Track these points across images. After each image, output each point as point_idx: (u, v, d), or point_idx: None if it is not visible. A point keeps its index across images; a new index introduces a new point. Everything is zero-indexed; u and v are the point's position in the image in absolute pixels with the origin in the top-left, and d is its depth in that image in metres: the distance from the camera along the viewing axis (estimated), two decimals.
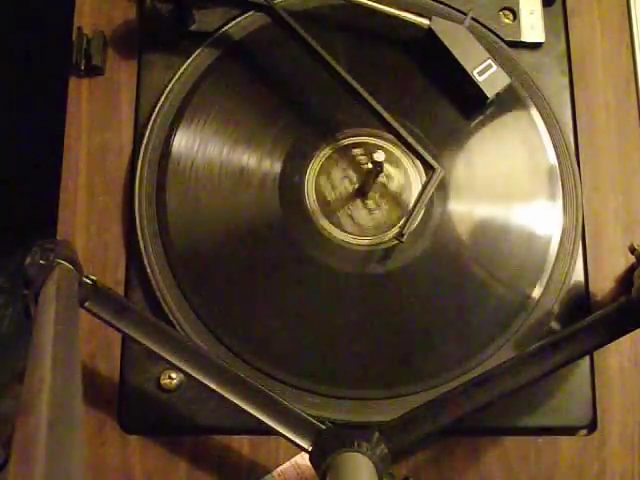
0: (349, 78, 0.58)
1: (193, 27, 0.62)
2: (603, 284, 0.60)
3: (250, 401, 0.48)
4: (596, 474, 0.56)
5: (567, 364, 0.50)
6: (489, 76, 0.59)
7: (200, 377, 0.49)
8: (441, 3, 0.64)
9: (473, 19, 0.62)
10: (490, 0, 0.64)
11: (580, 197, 0.60)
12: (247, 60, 0.63)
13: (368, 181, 0.59)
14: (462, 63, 0.60)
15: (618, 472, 0.56)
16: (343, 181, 0.60)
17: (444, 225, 0.59)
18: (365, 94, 0.57)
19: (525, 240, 0.59)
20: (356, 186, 0.60)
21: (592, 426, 0.57)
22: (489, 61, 0.60)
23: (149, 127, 0.60)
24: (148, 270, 0.57)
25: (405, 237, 0.56)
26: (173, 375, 0.56)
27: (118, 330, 0.50)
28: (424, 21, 0.60)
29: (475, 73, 0.59)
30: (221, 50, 0.63)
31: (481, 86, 0.59)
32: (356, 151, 0.61)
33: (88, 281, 0.48)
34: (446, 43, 0.60)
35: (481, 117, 0.62)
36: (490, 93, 0.60)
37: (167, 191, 0.59)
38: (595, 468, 0.56)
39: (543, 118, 0.62)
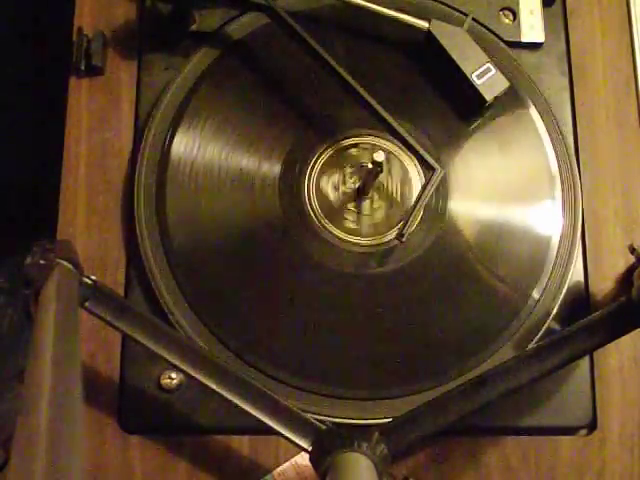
0: (349, 78, 0.58)
1: (193, 27, 0.62)
2: (603, 284, 0.60)
3: (250, 401, 0.48)
4: (596, 474, 0.56)
5: (567, 364, 0.50)
6: (488, 79, 0.59)
7: (200, 377, 0.49)
8: (441, 3, 0.64)
9: (473, 19, 0.62)
10: (490, 0, 0.64)
11: (580, 197, 0.60)
12: (247, 60, 0.63)
13: (368, 181, 0.59)
14: (461, 66, 0.59)
15: (618, 472, 0.56)
16: (343, 181, 0.60)
17: (444, 225, 0.59)
18: (365, 94, 0.57)
19: (525, 240, 0.59)
20: (356, 186, 0.60)
21: (592, 426, 0.57)
22: (488, 64, 0.60)
23: (149, 127, 0.60)
24: (148, 270, 0.57)
25: (405, 237, 0.56)
26: (173, 375, 0.56)
27: (118, 330, 0.49)
28: (423, 23, 0.60)
29: (474, 76, 0.59)
30: (221, 50, 0.63)
31: (479, 89, 0.59)
32: (356, 151, 0.61)
33: (88, 281, 0.48)
34: (445, 46, 0.60)
35: (480, 119, 0.62)
36: (489, 96, 0.60)
37: (167, 191, 0.59)
38: (595, 468, 0.56)
39: (543, 118, 0.62)
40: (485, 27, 0.63)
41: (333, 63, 0.58)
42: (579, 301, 0.59)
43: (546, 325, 0.58)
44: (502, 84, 0.60)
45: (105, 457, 0.55)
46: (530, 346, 0.57)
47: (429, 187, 0.56)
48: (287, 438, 0.47)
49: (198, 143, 0.60)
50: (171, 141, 0.60)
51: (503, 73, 0.60)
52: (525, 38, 0.64)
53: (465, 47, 0.60)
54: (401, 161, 0.61)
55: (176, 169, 0.59)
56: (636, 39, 0.65)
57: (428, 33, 0.60)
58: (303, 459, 0.55)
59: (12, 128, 0.88)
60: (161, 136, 0.60)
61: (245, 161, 0.60)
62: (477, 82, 0.59)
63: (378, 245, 0.59)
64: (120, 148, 0.61)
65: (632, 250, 0.55)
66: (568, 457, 0.56)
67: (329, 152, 0.61)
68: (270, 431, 0.48)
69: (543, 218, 0.60)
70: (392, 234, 0.59)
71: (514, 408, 0.56)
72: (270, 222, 0.59)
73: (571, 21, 0.65)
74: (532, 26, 0.64)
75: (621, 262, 0.60)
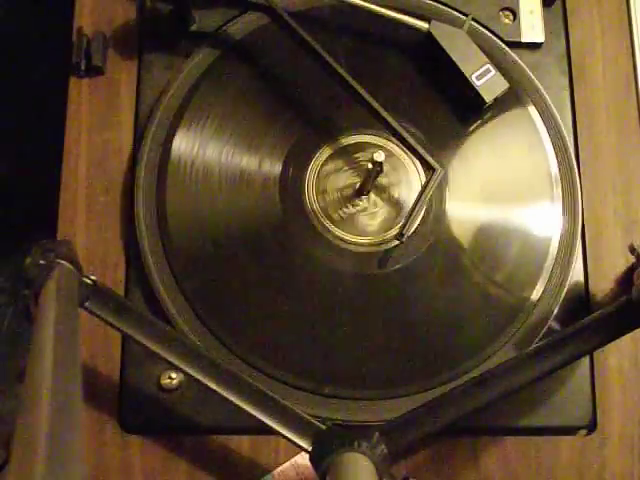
0: (349, 78, 0.58)
1: (193, 27, 0.62)
2: (603, 284, 0.60)
3: (250, 401, 0.48)
4: (596, 474, 0.56)
5: (567, 364, 0.50)
6: (487, 81, 0.59)
7: (200, 377, 0.49)
8: (441, 3, 0.64)
9: (473, 19, 0.62)
10: (490, 0, 0.64)
11: (580, 197, 0.60)
12: (247, 60, 0.63)
13: (368, 181, 0.59)
14: (461, 67, 0.59)
15: (618, 472, 0.56)
16: (343, 181, 0.60)
17: (444, 225, 0.59)
18: (365, 94, 0.57)
19: (525, 240, 0.59)
20: (356, 186, 0.60)
21: (592, 426, 0.57)
22: (488, 65, 0.60)
23: (149, 127, 0.60)
24: (148, 270, 0.57)
25: (405, 237, 0.56)
26: (173, 375, 0.56)
27: (118, 330, 0.50)
28: (423, 24, 0.60)
29: (473, 77, 0.59)
30: (221, 50, 0.63)
31: (479, 90, 0.59)
32: (356, 151, 0.61)
33: (88, 281, 0.48)
34: (445, 47, 0.60)
35: (480, 120, 0.62)
36: (488, 98, 0.60)
37: (167, 191, 0.59)
38: (595, 468, 0.56)
39: (543, 118, 0.62)
40: (485, 27, 0.63)
41: (333, 63, 0.58)
42: (579, 301, 0.59)
43: (546, 325, 0.58)
44: (502, 85, 0.60)
45: (105, 457, 0.55)
46: (530, 346, 0.57)
47: (429, 187, 0.56)
48: (287, 438, 0.47)
49: (198, 143, 0.60)
50: (171, 141, 0.60)
51: (503, 73, 0.60)
52: (525, 38, 0.64)
53: (465, 48, 0.60)
54: (401, 161, 0.61)
55: (176, 169, 0.59)
56: (636, 39, 0.65)
57: (428, 34, 0.60)
58: (303, 459, 0.55)
59: (12, 128, 0.88)
60: (161, 136, 0.60)
61: (245, 161, 0.60)
62: (477, 83, 0.59)
63: (378, 245, 0.59)
64: (120, 148, 0.61)
65: (632, 250, 0.55)
66: (568, 457, 0.56)
67: (329, 152, 0.61)
68: (270, 431, 0.48)
69: (543, 218, 0.60)
70: (392, 234, 0.59)
71: (514, 408, 0.56)
72: (270, 222, 0.59)
73: (571, 21, 0.65)
74: (532, 26, 0.64)
75: (621, 262, 0.60)
